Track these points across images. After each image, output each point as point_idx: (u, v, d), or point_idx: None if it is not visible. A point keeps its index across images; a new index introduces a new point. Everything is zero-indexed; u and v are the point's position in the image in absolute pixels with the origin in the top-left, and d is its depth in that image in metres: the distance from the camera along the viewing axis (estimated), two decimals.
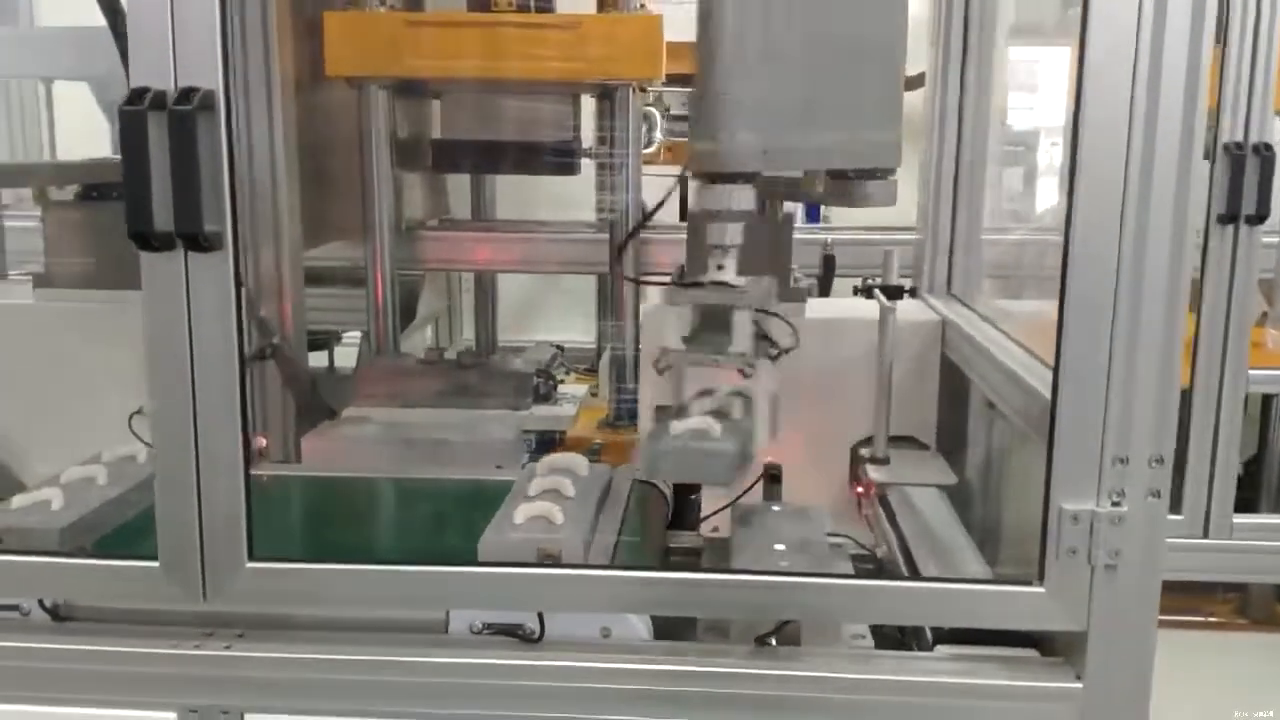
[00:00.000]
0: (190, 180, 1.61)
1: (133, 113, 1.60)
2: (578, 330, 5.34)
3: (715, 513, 2.59)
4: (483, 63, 3.51)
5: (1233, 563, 3.37)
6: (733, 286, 2.05)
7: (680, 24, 3.01)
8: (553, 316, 5.71)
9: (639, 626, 1.84)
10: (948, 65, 3.11)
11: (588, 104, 3.94)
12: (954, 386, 2.78)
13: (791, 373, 2.83)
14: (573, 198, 4.49)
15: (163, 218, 1.62)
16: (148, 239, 1.64)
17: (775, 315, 2.19)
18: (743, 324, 2.06)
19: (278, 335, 3.44)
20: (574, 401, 3.39)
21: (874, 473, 2.55)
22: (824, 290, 3.93)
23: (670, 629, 1.91)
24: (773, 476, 2.40)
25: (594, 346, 4.83)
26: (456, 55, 3.48)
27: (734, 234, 2.03)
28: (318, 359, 4.72)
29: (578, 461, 2.33)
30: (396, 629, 1.85)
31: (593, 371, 4.43)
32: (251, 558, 1.76)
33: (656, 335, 2.86)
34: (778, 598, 1.77)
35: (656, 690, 1.75)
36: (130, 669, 1.80)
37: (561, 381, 4.12)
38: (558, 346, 4.60)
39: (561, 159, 3.89)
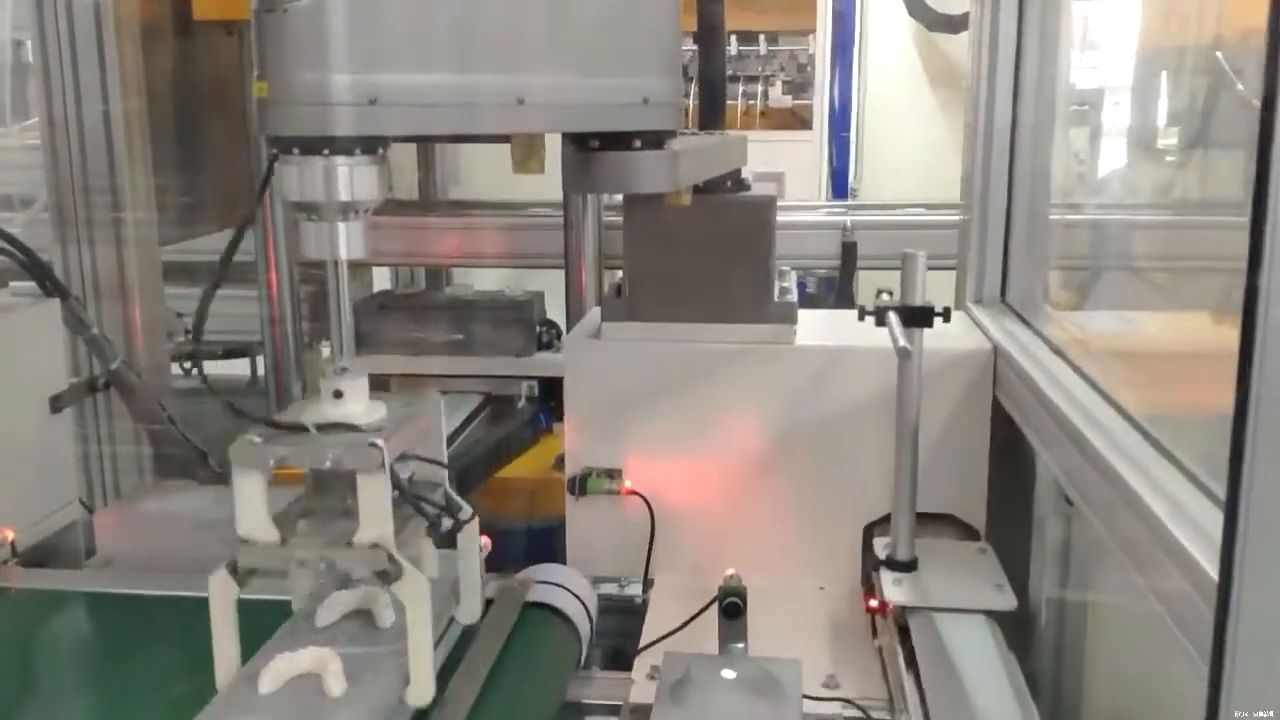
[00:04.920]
0: None
1: None
2: None
3: (653, 643, 1.77)
4: None
5: None
6: (356, 429, 1.23)
7: None
8: None
9: None
10: (998, 7, 2.23)
11: None
12: (1013, 448, 1.92)
13: (780, 423, 2.02)
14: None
15: None
16: None
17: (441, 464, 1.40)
18: (371, 498, 1.21)
19: (121, 357, 2.64)
20: None
21: (891, 588, 1.70)
22: (843, 290, 3.07)
23: None
24: (731, 605, 1.56)
25: None
26: None
27: (351, 241, 1.24)
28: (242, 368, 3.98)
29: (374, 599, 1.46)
30: None
31: None
32: None
33: (582, 369, 2.05)
34: None
35: None
36: None
37: None
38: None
39: None
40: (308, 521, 1.29)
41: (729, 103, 2.38)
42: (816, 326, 2.07)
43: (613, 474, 2.02)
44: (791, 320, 2.00)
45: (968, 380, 1.94)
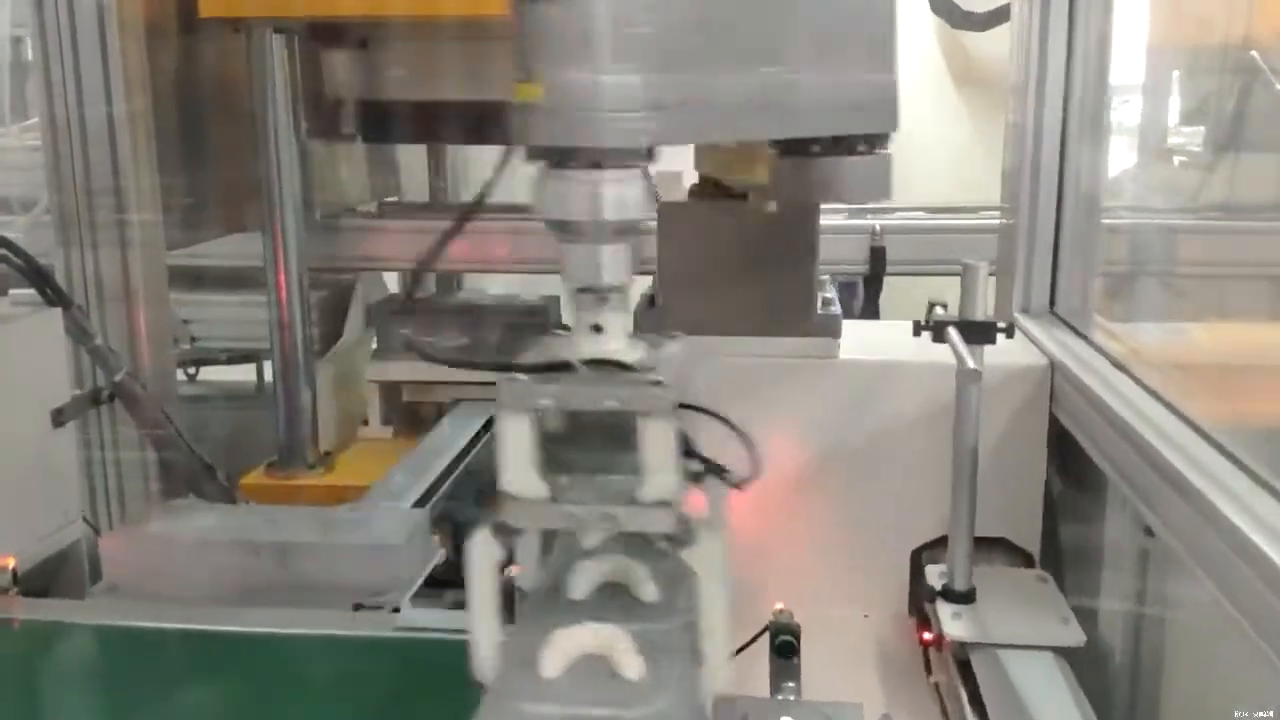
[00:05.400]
0: None
1: None
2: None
3: None
4: None
5: None
6: (626, 368, 1.08)
7: None
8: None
9: None
10: (1048, 5, 2.12)
11: None
12: (1071, 469, 1.82)
13: (822, 441, 1.91)
14: None
15: None
16: None
17: (717, 417, 1.17)
18: (660, 446, 1.05)
19: (126, 368, 2.54)
20: None
21: (951, 622, 1.59)
22: (871, 298, 2.96)
23: None
24: (785, 644, 1.46)
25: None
26: None
27: (614, 266, 1.07)
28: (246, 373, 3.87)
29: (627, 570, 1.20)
30: None
31: None
32: None
33: None
34: None
35: None
36: None
37: None
38: None
39: None
40: (570, 476, 1.10)
41: None
42: (859, 339, 1.97)
43: None
44: (836, 333, 1.89)
45: (1024, 397, 1.84)
